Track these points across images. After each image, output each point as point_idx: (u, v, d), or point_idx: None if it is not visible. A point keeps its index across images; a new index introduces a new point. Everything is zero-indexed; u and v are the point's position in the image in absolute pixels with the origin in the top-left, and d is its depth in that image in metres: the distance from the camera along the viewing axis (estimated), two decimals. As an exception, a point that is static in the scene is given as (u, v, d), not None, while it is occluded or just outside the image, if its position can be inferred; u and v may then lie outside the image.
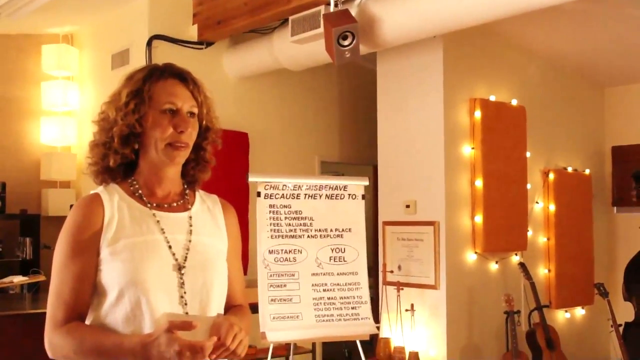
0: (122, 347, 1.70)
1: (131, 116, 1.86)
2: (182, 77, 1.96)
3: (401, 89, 6.22)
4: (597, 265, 7.19)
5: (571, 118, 7.28)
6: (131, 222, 1.85)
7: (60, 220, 7.01)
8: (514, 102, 6.40)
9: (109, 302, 1.81)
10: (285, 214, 4.51)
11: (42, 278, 5.68)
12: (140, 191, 1.91)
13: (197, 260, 1.88)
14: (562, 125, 7.13)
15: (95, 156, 1.91)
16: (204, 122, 1.96)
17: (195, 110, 1.93)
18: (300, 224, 4.56)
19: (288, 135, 7.11)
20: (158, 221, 1.88)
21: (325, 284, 4.56)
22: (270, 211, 4.48)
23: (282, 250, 4.48)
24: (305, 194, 4.59)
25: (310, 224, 4.58)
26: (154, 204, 1.91)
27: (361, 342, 4.85)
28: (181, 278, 1.84)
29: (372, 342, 5.83)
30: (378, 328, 5.44)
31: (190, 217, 1.94)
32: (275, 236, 4.47)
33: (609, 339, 7.03)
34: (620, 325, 5.79)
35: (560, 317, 6.84)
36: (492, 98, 6.22)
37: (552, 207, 6.76)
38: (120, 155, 1.88)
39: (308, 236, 4.56)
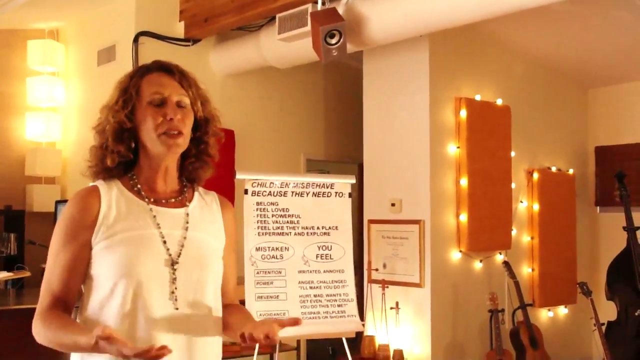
0: (77, 345, 1.73)
1: (120, 112, 1.89)
2: (168, 69, 1.97)
3: (387, 87, 6.24)
4: (579, 264, 7.26)
5: (555, 118, 7.35)
6: (128, 216, 1.87)
7: (45, 216, 6.96)
8: (499, 102, 6.44)
9: (104, 294, 1.84)
10: (272, 211, 4.52)
11: (27, 274, 5.65)
12: (139, 186, 1.94)
13: (191, 256, 1.90)
14: (547, 125, 7.19)
15: (95, 159, 1.94)
16: (201, 114, 1.97)
17: (186, 101, 1.94)
18: (287, 222, 4.57)
19: (274, 132, 7.12)
20: (154, 216, 1.90)
21: (312, 282, 4.58)
22: (257, 208, 4.49)
23: (269, 247, 4.49)
24: (293, 192, 4.61)
25: (297, 221, 4.60)
26: (152, 199, 1.93)
27: (346, 339, 4.87)
28: (173, 273, 1.86)
29: (356, 340, 5.85)
30: (363, 326, 5.46)
31: (187, 214, 1.96)
32: (262, 233, 4.49)
33: (591, 338, 7.09)
34: (603, 324, 5.84)
35: (544, 315, 6.90)
36: (478, 97, 6.26)
37: (536, 207, 6.82)
38: (117, 153, 1.90)
39: (295, 234, 4.58)
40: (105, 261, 1.83)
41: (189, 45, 6.36)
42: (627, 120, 7.52)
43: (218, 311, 1.98)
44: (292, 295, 4.51)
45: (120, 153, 1.90)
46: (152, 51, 6.18)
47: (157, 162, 1.94)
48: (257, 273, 4.44)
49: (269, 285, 4.44)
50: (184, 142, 1.92)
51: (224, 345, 2.11)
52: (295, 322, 1.81)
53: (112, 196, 1.89)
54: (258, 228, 4.50)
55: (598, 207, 7.69)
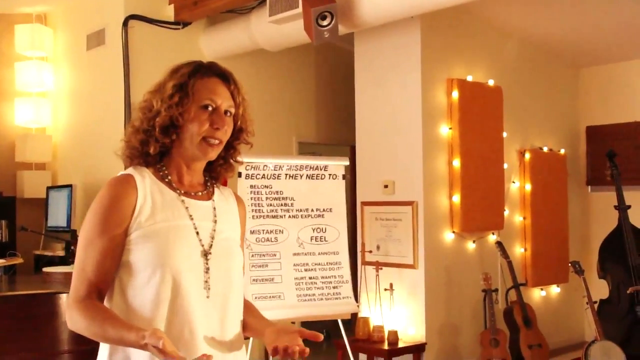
0: (123, 340, 1.77)
1: (175, 109, 1.94)
2: (225, 77, 2.04)
3: (379, 69, 6.22)
4: (571, 243, 7.29)
5: (547, 98, 7.35)
6: (164, 206, 1.94)
7: (36, 202, 6.90)
8: (491, 83, 6.44)
9: (140, 283, 1.88)
10: (266, 194, 4.53)
11: (19, 260, 5.62)
12: (169, 177, 2.00)
13: (220, 247, 1.98)
14: (538, 105, 7.19)
15: (136, 141, 1.98)
16: (239, 123, 2.05)
17: (233, 110, 2.01)
18: (282, 204, 4.57)
19: (265, 116, 7.08)
20: (187, 207, 1.97)
21: (307, 264, 4.59)
22: (251, 192, 4.49)
23: (263, 230, 4.49)
24: (286, 174, 4.60)
25: (292, 204, 4.60)
26: (182, 191, 2.00)
27: (341, 321, 4.89)
28: (207, 264, 1.93)
29: (350, 322, 5.87)
30: (358, 307, 5.47)
31: (215, 207, 2.04)
32: (257, 216, 4.49)
33: (583, 316, 7.13)
34: (595, 302, 5.88)
35: (536, 295, 6.94)
36: (469, 78, 6.25)
37: (528, 187, 6.84)
38: (160, 143, 1.96)
39: (289, 216, 4.58)
40: (143, 249, 1.88)
41: (179, 29, 6.32)
42: (618, 100, 7.53)
43: (242, 299, 2.06)
44: (287, 278, 4.52)
45: (163, 144, 1.96)
46: (142, 35, 6.15)
47: (190, 161, 2.01)
48: (252, 256, 4.44)
49: (263, 268, 4.44)
50: (219, 150, 2.01)
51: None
52: (316, 337, 1.89)
53: (147, 185, 1.94)
54: (252, 211, 4.49)
55: (589, 187, 7.71)
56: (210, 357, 1.69)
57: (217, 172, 2.11)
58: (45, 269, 5.20)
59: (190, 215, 1.96)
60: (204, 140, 1.95)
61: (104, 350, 1.91)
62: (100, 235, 1.88)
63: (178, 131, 1.96)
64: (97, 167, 6.27)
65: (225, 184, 2.25)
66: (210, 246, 1.95)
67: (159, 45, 6.21)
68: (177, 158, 2.00)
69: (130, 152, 1.99)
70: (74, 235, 5.84)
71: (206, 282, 1.92)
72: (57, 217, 6.48)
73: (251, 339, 4.61)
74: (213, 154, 1.99)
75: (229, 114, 2.00)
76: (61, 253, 6.16)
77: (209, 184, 2.09)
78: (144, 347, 1.69)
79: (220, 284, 1.95)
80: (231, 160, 2.11)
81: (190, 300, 1.88)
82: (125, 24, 6.09)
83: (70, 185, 6.35)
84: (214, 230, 1.98)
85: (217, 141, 1.96)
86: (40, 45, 7.04)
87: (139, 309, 1.86)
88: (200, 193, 2.03)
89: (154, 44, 6.20)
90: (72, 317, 1.87)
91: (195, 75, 1.98)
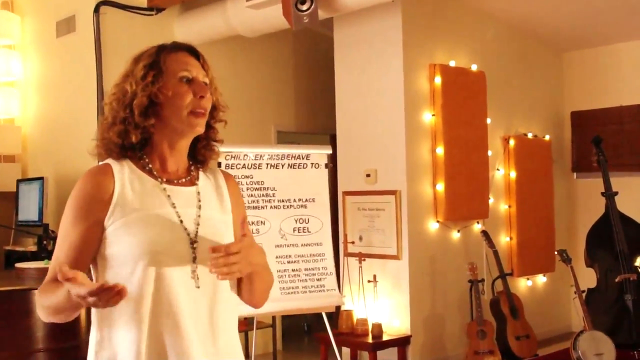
0: (60, 300, 1.73)
1: (151, 87, 1.89)
2: (192, 50, 2.01)
3: (359, 55, 6.10)
4: (557, 231, 7.21)
5: (530, 83, 7.25)
6: (143, 195, 1.89)
7: (6, 195, 6.66)
8: (474, 68, 6.33)
9: (123, 274, 1.83)
10: (247, 184, 4.38)
11: (-11, 256, 5.43)
12: (150, 166, 1.95)
13: (207, 234, 1.92)
14: (522, 90, 7.10)
15: (113, 135, 1.91)
16: (213, 100, 2.00)
17: (207, 81, 1.97)
18: (263, 195, 4.44)
19: (243, 104, 6.90)
20: (169, 195, 1.92)
21: (290, 256, 4.47)
22: (231, 182, 4.33)
23: (244, 222, 4.34)
24: (267, 164, 4.46)
25: (273, 194, 4.46)
26: (164, 179, 1.95)
27: (325, 314, 4.77)
28: (193, 252, 1.87)
29: (332, 315, 5.73)
30: (342, 299, 5.34)
31: (199, 192, 1.98)
32: (237, 207, 4.33)
33: (570, 305, 7.07)
34: (583, 291, 5.78)
35: (523, 284, 6.85)
36: (452, 63, 6.14)
37: (513, 174, 6.73)
38: (141, 129, 1.90)
39: (271, 207, 4.45)
40: (123, 241, 1.84)
41: (152, 15, 6.13)
42: (603, 84, 7.43)
43: (234, 286, 2.00)
44: (269, 271, 4.37)
45: (144, 129, 1.90)
46: (114, 21, 5.98)
47: (175, 141, 1.96)
48: (232, 249, 4.28)
49: (244, 261, 4.28)
50: (204, 122, 1.96)
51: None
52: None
53: (125, 175, 1.90)
54: (232, 202, 4.34)
55: (575, 173, 7.62)
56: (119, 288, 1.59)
57: (202, 155, 2.04)
58: (17, 265, 5.02)
59: (173, 203, 1.90)
60: (191, 113, 1.90)
61: (91, 347, 1.88)
62: (74, 226, 1.85)
63: (157, 109, 1.90)
64: (69, 159, 6.07)
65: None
66: (196, 233, 1.89)
67: (132, 32, 6.03)
68: (160, 143, 1.94)
69: (107, 147, 1.92)
70: (46, 229, 5.66)
71: (194, 271, 1.85)
72: (28, 211, 6.27)
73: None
74: (201, 127, 1.92)
75: (205, 85, 1.95)
76: (33, 248, 5.96)
77: (192, 168, 2.02)
78: (70, 296, 1.64)
79: (209, 272, 1.87)
80: (211, 141, 2.04)
81: (175, 291, 1.82)
82: (96, 10, 5.90)
83: (41, 178, 6.15)
84: (199, 216, 1.92)
85: (202, 110, 1.91)
86: (8, 32, 6.81)
87: (123, 301, 1.76)
88: (183, 179, 1.97)
89: (126, 31, 6.02)
90: (37, 303, 1.85)
91: (163, 52, 1.95)
